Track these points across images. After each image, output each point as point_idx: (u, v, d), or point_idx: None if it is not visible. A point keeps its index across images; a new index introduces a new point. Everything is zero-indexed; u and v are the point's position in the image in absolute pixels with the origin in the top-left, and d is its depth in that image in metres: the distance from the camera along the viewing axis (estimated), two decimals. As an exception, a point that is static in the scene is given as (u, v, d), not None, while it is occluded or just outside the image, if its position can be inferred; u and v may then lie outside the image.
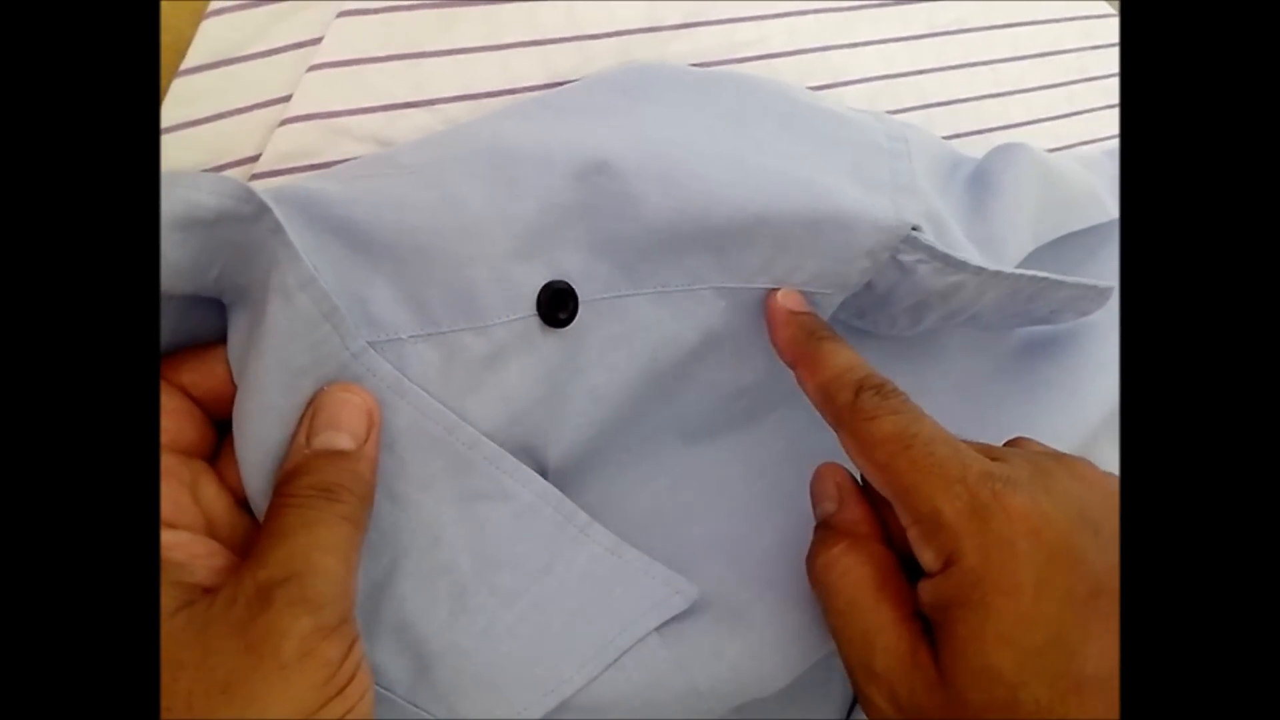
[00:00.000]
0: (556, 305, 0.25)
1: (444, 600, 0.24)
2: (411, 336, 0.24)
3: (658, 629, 0.26)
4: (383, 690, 0.24)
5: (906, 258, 0.27)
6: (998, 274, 0.28)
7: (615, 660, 0.26)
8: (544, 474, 0.26)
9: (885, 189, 0.27)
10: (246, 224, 0.21)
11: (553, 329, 0.25)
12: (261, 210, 0.21)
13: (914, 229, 0.26)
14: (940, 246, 0.26)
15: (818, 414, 0.26)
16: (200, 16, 0.24)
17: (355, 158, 0.26)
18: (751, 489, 0.30)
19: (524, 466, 0.25)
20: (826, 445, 0.26)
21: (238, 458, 0.23)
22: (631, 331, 0.26)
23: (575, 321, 0.25)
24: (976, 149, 0.36)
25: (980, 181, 0.30)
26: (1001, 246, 0.29)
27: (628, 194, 0.24)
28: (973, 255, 0.28)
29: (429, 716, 0.24)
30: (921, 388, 0.30)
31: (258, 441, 0.22)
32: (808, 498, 0.27)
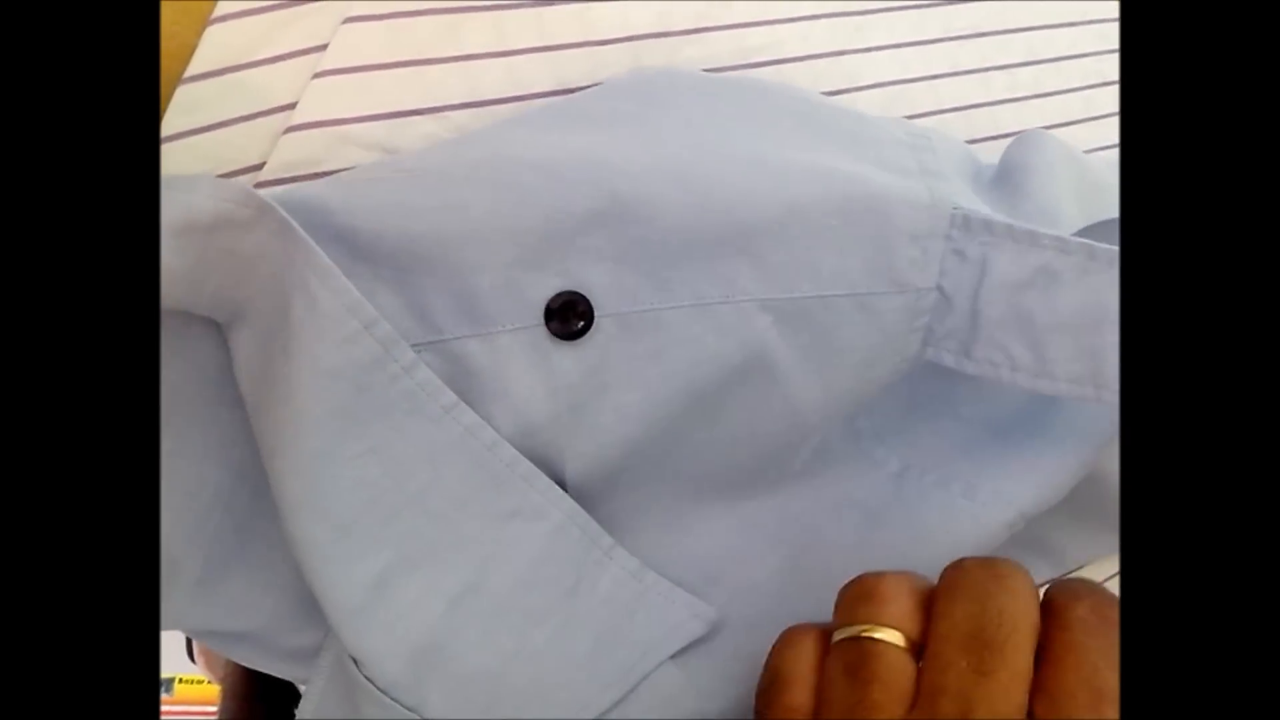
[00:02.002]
0: (565, 316, 0.24)
1: (477, 620, 0.24)
2: (415, 345, 0.23)
3: (673, 656, 0.26)
4: (408, 712, 0.23)
5: (969, 246, 0.25)
6: (1091, 249, 0.24)
7: (636, 685, 0.25)
8: (562, 485, 0.25)
9: (915, 174, 0.26)
10: (245, 230, 0.21)
11: (565, 341, 0.24)
12: (262, 212, 0.21)
13: (956, 209, 0.25)
14: (1001, 217, 0.24)
15: (854, 469, 0.26)
16: (205, 22, 0.24)
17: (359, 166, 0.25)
18: (775, 506, 0.29)
19: (555, 486, 0.25)
20: (854, 468, 0.26)
21: (269, 475, 0.22)
22: (666, 347, 0.24)
23: (599, 335, 0.24)
24: (992, 154, 0.35)
25: (1010, 168, 0.29)
26: (1054, 220, 0.27)
27: (644, 199, 0.23)
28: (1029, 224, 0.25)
29: None
30: (950, 414, 0.29)
31: (293, 451, 0.22)
32: (831, 519, 0.27)
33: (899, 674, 0.20)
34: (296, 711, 0.26)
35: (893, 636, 0.21)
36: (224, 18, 0.24)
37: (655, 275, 0.24)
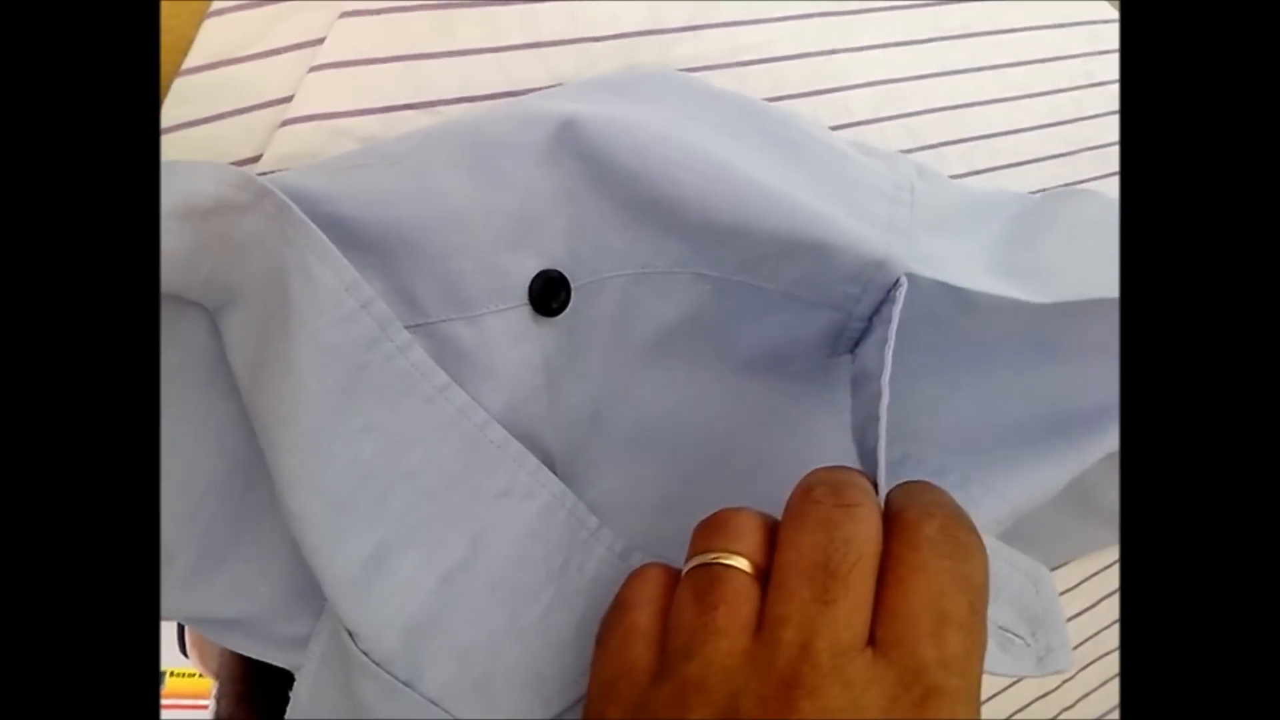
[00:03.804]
0: (549, 294, 0.25)
1: (469, 597, 0.24)
2: (404, 327, 0.24)
3: None
4: (402, 686, 0.24)
5: (886, 311, 0.26)
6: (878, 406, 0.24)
7: None
8: (550, 463, 0.26)
9: (880, 227, 0.26)
10: (241, 214, 0.22)
11: (546, 318, 0.25)
12: (260, 196, 0.22)
13: (908, 275, 0.25)
14: (896, 316, 0.25)
15: (831, 414, 0.26)
16: (201, 17, 0.24)
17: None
18: (759, 484, 0.30)
19: (544, 467, 0.25)
20: (838, 445, 0.26)
21: (266, 451, 0.23)
22: (613, 311, 0.26)
23: (570, 308, 0.25)
24: (981, 154, 0.35)
25: (1033, 215, 0.30)
26: (1048, 279, 0.27)
27: (604, 179, 0.24)
28: (987, 284, 0.26)
29: (449, 716, 0.24)
30: (950, 413, 0.30)
31: (291, 427, 0.22)
32: None
33: (745, 600, 0.21)
34: (290, 695, 0.26)
35: (741, 564, 0.21)
36: (220, 12, 0.24)
37: (607, 247, 0.26)
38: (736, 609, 0.20)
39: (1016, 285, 0.27)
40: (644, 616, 0.22)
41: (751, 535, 0.22)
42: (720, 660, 0.20)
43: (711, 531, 0.22)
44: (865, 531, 0.21)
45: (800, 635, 0.19)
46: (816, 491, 0.21)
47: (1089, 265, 0.28)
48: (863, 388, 0.26)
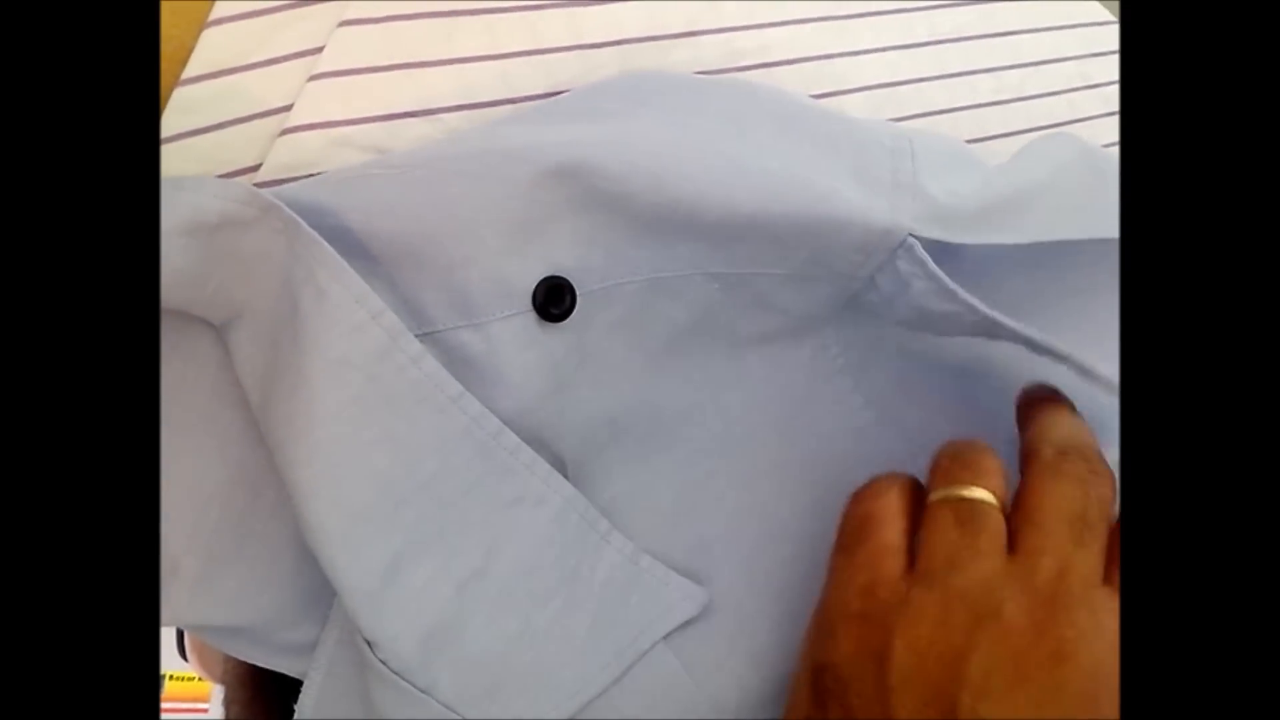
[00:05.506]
0: (552, 300, 0.25)
1: (483, 603, 0.25)
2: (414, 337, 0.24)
3: (665, 636, 0.26)
4: (419, 693, 0.24)
5: (903, 266, 0.26)
6: (994, 321, 0.26)
7: (630, 666, 0.26)
8: (561, 468, 0.26)
9: (885, 189, 0.26)
10: (248, 229, 0.22)
11: (551, 323, 0.25)
12: (266, 211, 0.22)
13: (912, 236, 0.25)
14: (933, 266, 0.25)
15: (851, 423, 0.27)
16: (201, 26, 0.24)
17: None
18: (770, 485, 0.30)
19: (556, 472, 0.25)
20: (860, 456, 0.26)
21: (280, 465, 0.23)
22: (626, 317, 0.26)
23: (576, 314, 0.25)
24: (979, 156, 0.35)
25: (1015, 162, 0.29)
26: (1034, 218, 0.27)
27: (617, 193, 0.24)
28: (992, 236, 0.26)
29: (460, 718, 0.24)
30: (954, 407, 0.30)
31: (306, 440, 0.22)
32: (832, 508, 0.27)
33: (1001, 531, 0.24)
34: (296, 707, 0.26)
35: (992, 499, 0.24)
36: (220, 21, 0.25)
37: (619, 254, 0.25)
38: (996, 536, 0.23)
39: (1006, 229, 0.27)
40: (893, 534, 0.24)
41: (995, 476, 0.25)
42: (983, 575, 0.23)
43: (963, 465, 0.25)
44: (1112, 495, 0.24)
45: (1057, 564, 0.22)
46: (1072, 455, 0.24)
47: (1073, 206, 0.28)
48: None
